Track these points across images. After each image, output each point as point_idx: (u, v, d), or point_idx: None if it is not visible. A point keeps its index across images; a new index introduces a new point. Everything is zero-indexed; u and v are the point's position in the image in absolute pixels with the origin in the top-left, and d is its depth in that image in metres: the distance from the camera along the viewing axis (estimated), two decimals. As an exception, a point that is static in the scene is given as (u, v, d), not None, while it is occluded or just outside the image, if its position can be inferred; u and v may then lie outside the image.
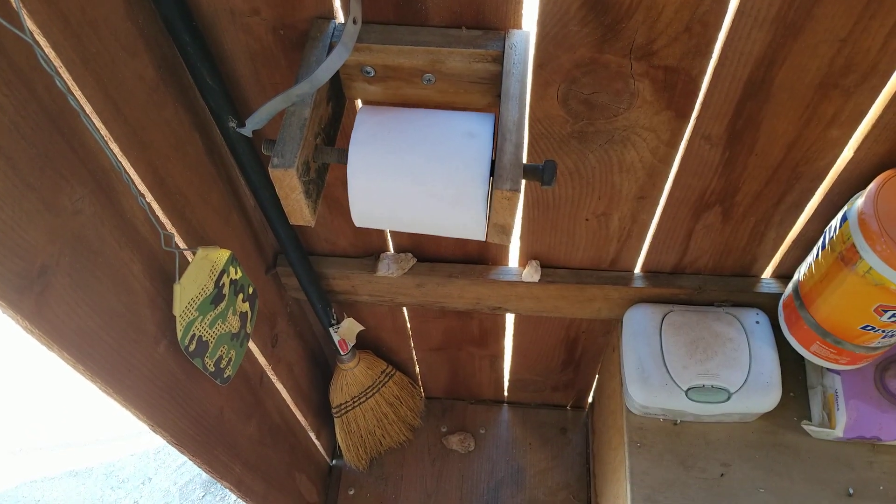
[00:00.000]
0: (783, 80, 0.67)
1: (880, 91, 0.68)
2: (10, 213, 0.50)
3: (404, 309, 1.24)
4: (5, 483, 1.72)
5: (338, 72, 0.68)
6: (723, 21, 0.63)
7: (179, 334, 0.72)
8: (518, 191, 0.57)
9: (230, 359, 0.84)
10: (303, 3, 0.66)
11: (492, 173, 0.60)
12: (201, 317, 0.76)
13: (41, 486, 1.71)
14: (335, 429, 1.41)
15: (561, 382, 1.46)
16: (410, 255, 1.05)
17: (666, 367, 0.97)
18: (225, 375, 0.83)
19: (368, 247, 1.06)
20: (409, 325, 1.30)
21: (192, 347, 0.75)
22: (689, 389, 0.95)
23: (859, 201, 0.75)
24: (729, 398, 0.95)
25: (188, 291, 0.72)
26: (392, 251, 1.06)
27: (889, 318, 0.77)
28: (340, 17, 0.68)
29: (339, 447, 1.48)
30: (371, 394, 1.37)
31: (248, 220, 0.96)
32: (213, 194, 0.83)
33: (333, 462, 1.57)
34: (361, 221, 0.66)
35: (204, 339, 0.77)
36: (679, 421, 1.02)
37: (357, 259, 1.07)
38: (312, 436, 1.41)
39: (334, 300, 1.15)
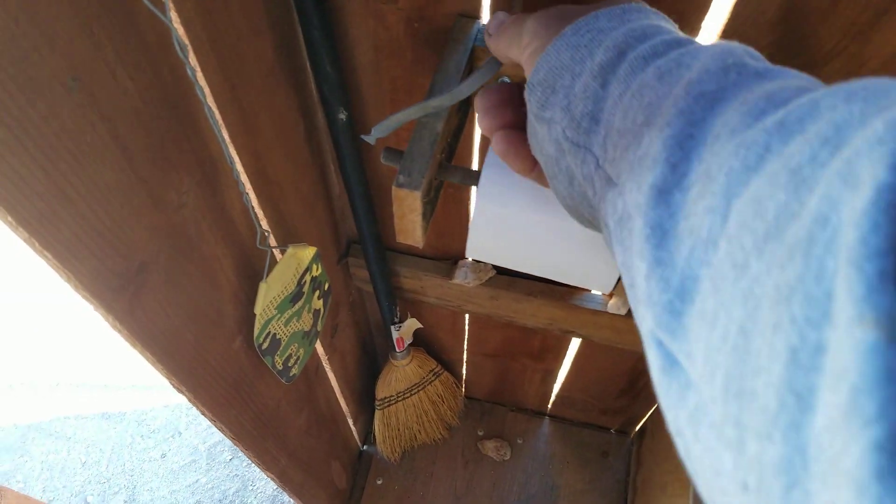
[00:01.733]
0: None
1: None
2: (118, 208, 0.45)
3: (467, 314, 1.19)
4: (41, 415, 1.73)
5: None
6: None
7: (256, 332, 0.67)
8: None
9: (298, 357, 0.79)
10: (447, -3, 0.60)
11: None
12: (279, 315, 0.71)
13: (74, 424, 1.72)
14: (374, 420, 1.37)
15: (612, 407, 1.41)
16: (490, 266, 0.99)
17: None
18: (291, 374, 0.79)
19: (446, 250, 1.00)
20: (467, 329, 1.24)
21: (265, 346, 0.71)
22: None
23: None
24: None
25: (272, 290, 0.67)
26: (471, 259, 1.00)
27: None
28: (486, 16, 0.61)
29: (373, 436, 1.45)
30: (416, 391, 1.33)
31: (332, 209, 0.90)
32: (305, 183, 0.78)
33: (364, 447, 1.54)
34: (475, 252, 0.60)
35: (277, 337, 0.73)
36: (750, 484, 0.96)
37: (433, 261, 1.01)
38: (350, 422, 1.38)
39: (398, 296, 1.10)
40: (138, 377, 1.80)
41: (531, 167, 0.43)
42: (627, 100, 0.29)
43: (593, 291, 0.99)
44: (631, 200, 0.27)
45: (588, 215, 0.36)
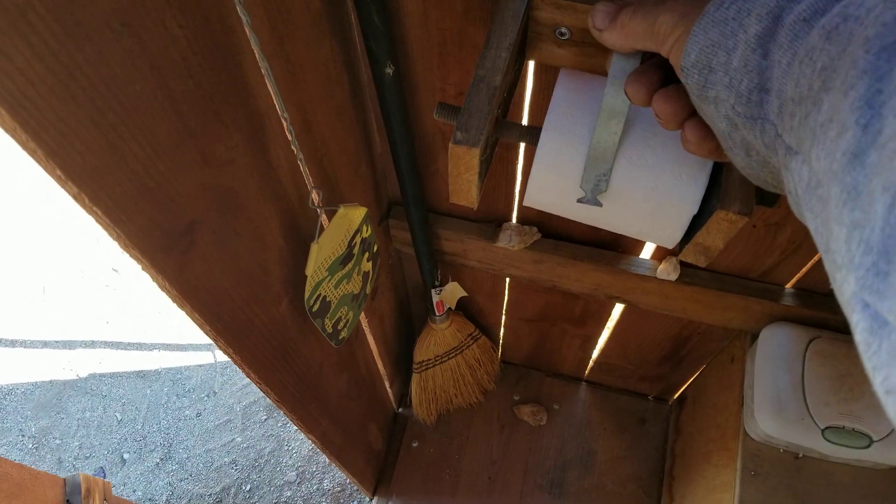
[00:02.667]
0: None
1: None
2: (168, 163, 0.43)
3: (507, 278, 1.16)
4: (77, 373, 1.76)
5: (525, 29, 0.58)
6: None
7: (307, 294, 0.66)
8: (748, 216, 0.47)
9: (347, 321, 0.78)
10: (502, -58, 0.56)
11: (710, 190, 0.50)
12: (329, 277, 0.69)
13: (109, 382, 1.75)
14: (411, 383, 1.37)
15: (652, 374, 1.38)
16: (535, 229, 0.96)
17: (805, 400, 0.87)
18: (340, 337, 0.78)
19: (491, 213, 0.97)
20: (506, 293, 1.22)
21: (315, 308, 0.69)
22: (826, 429, 0.86)
23: None
24: (870, 445, 0.85)
25: (324, 251, 0.65)
26: (515, 221, 0.97)
27: None
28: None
29: (408, 399, 1.44)
30: (454, 354, 1.32)
31: (374, 168, 0.88)
32: (350, 142, 0.75)
33: (399, 410, 1.54)
34: (533, 202, 0.57)
35: (327, 299, 0.71)
36: (801, 455, 0.93)
37: (476, 224, 0.99)
38: (387, 385, 1.37)
39: (438, 259, 1.07)
40: (172, 337, 1.82)
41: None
42: (797, 67, 0.28)
43: (642, 256, 0.95)
44: (819, 168, 0.26)
45: (772, 181, 0.36)
